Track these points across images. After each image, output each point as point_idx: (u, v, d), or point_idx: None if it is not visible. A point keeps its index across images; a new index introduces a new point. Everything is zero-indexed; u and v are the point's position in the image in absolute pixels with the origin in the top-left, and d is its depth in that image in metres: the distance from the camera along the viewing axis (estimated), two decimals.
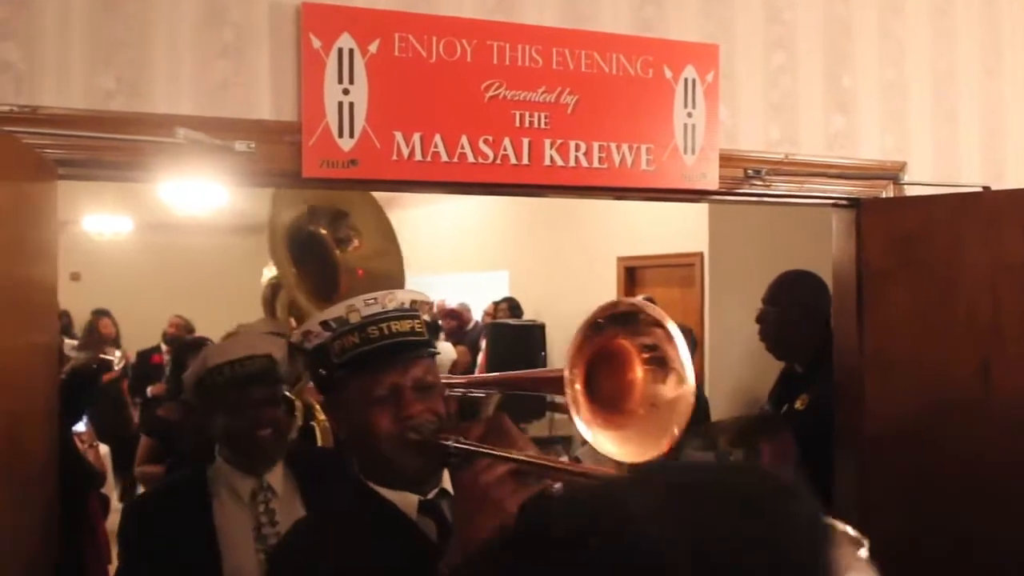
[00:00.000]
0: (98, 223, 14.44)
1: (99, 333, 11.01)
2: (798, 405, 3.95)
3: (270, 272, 4.77)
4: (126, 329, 11.40)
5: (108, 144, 2.66)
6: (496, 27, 3.09)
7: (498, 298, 10.78)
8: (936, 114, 3.92)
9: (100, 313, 11.12)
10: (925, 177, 3.81)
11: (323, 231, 4.57)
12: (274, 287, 4.79)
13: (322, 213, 4.53)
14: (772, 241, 6.80)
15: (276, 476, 2.89)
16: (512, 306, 10.48)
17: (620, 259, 9.37)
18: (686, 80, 3.37)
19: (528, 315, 10.10)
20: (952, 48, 3.95)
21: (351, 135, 2.89)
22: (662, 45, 3.34)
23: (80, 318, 12.24)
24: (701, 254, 7.97)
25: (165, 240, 15.84)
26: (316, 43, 2.86)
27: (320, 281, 4.47)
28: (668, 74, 3.34)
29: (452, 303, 11.53)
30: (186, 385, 3.01)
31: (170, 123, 2.71)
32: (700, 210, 7.70)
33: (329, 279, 4.48)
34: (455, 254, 12.91)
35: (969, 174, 3.91)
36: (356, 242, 4.63)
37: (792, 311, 4.12)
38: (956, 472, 3.43)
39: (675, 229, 8.23)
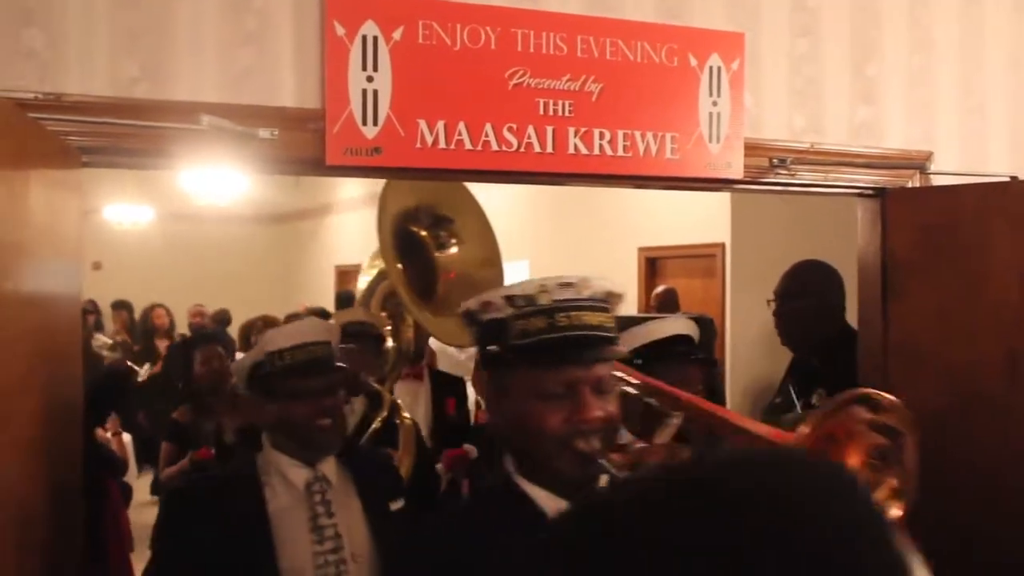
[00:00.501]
0: (119, 212, 14.50)
1: (153, 324, 11.08)
2: (815, 400, 3.92)
3: (371, 264, 4.72)
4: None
5: (132, 131, 2.66)
6: (520, 14, 3.08)
7: None
8: (963, 103, 3.88)
9: (155, 305, 11.28)
10: (952, 167, 3.77)
11: (424, 232, 4.57)
12: (378, 278, 4.74)
13: (425, 213, 4.56)
14: (794, 231, 6.76)
15: (330, 467, 2.80)
16: None
17: (641, 249, 9.33)
18: (711, 68, 3.34)
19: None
20: (980, 37, 3.91)
21: (375, 123, 2.88)
22: (687, 33, 3.32)
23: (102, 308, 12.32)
24: (723, 244, 7.93)
25: (186, 229, 15.91)
26: (340, 30, 2.85)
27: (419, 280, 4.42)
28: (693, 62, 3.31)
29: None
30: (237, 371, 2.90)
31: (194, 110, 2.70)
32: (722, 200, 7.66)
33: (428, 279, 4.45)
34: None
35: (997, 164, 3.87)
36: (455, 249, 4.59)
37: (803, 302, 4.09)
38: (980, 466, 3.40)
39: (696, 219, 8.19)
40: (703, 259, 8.24)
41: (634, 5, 3.28)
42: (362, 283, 5.04)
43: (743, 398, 6.88)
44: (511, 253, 11.98)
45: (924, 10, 3.80)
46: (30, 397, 2.17)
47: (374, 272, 4.88)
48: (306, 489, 2.73)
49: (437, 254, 4.48)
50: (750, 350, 7.35)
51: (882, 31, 3.73)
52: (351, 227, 16.68)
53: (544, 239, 11.34)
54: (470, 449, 4.19)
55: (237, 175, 11.14)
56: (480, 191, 12.48)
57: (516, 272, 11.66)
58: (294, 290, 17.14)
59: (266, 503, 2.69)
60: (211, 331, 8.80)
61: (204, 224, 15.78)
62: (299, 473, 2.75)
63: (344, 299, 12.09)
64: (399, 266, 4.36)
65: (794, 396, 4.13)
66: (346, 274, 16.60)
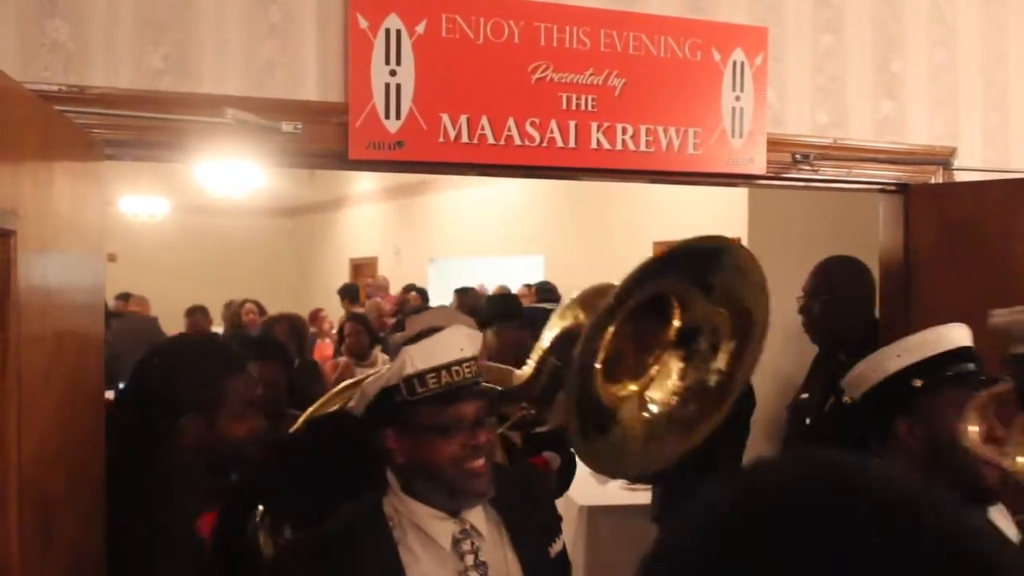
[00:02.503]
0: (135, 205, 14.55)
1: (241, 320, 11.02)
2: (846, 399, 3.87)
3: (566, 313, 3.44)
4: (162, 311, 11.44)
5: (155, 124, 2.66)
6: (544, 8, 3.06)
7: (532, 282, 10.70)
8: (987, 99, 3.85)
9: (240, 301, 11.06)
10: (975, 163, 3.75)
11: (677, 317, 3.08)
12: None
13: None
14: (812, 226, 6.72)
15: (478, 515, 2.26)
16: (542, 289, 10.02)
17: (656, 243, 9.31)
18: (735, 63, 3.33)
19: (565, 299, 10.01)
20: (1003, 32, 3.88)
21: (398, 116, 2.87)
22: (711, 28, 3.30)
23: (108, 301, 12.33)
24: (739, 239, 7.90)
25: (201, 222, 15.98)
26: (363, 23, 2.84)
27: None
28: (716, 57, 3.30)
29: (490, 287, 11.51)
30: (361, 397, 2.33)
31: (217, 103, 2.70)
32: (739, 194, 7.61)
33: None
34: (491, 238, 12.90)
35: (1020, 159, 3.85)
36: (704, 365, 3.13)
37: (833, 298, 4.05)
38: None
39: (712, 213, 8.16)
40: None
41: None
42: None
43: (763, 392, 6.85)
44: (526, 247, 12.04)
45: (947, 5, 3.77)
46: (54, 391, 2.17)
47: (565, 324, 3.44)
48: (453, 548, 2.21)
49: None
50: (768, 345, 7.31)
51: (905, 26, 3.71)
52: (366, 220, 16.72)
53: (559, 233, 11.35)
54: (552, 457, 3.69)
55: (253, 168, 11.16)
56: (495, 185, 12.47)
57: (532, 266, 11.68)
58: (308, 283, 17.20)
59: (403, 567, 2.17)
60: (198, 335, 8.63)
61: (219, 217, 15.85)
62: (442, 526, 2.22)
63: (349, 292, 12.10)
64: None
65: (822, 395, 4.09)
66: (360, 267, 16.65)
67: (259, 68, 2.83)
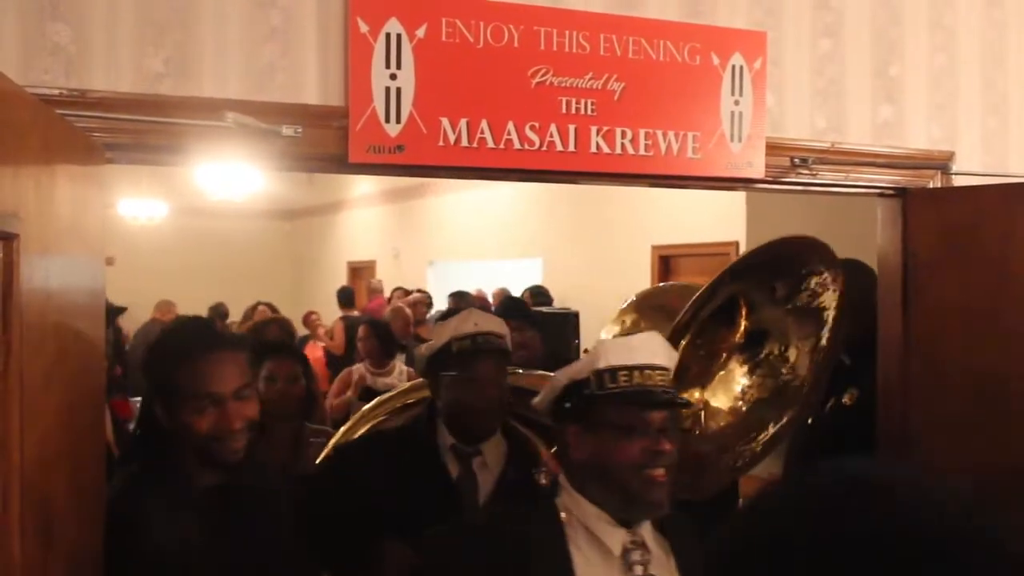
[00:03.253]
0: (133, 208, 14.54)
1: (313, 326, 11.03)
2: (846, 400, 3.88)
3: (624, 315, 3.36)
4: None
5: (156, 127, 2.66)
6: (544, 12, 3.07)
7: (529, 286, 10.67)
8: (985, 103, 3.86)
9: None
10: (974, 167, 3.76)
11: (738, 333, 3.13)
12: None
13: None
14: (810, 230, 6.73)
15: (648, 532, 2.22)
16: (536, 293, 10.01)
17: (654, 247, 9.34)
18: (734, 67, 3.33)
19: (562, 303, 10.02)
20: (1002, 36, 3.89)
21: (398, 120, 2.88)
22: (710, 32, 3.31)
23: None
24: (737, 243, 7.92)
25: (200, 225, 15.98)
26: (364, 27, 2.85)
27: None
28: (716, 61, 3.31)
29: (488, 291, 11.51)
30: (549, 389, 2.30)
31: (217, 107, 2.71)
32: (737, 198, 7.64)
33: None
34: (489, 241, 12.91)
35: (1019, 164, 3.86)
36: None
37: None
38: (1006, 472, 3.37)
39: (711, 217, 8.19)
40: (717, 257, 8.22)
41: (657, 4, 3.27)
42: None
43: None
44: (524, 251, 12.04)
45: (947, 10, 3.78)
46: (55, 393, 2.17)
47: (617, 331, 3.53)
48: (623, 556, 2.15)
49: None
50: None
51: (904, 31, 3.72)
52: (364, 223, 16.72)
53: (558, 237, 11.36)
54: None
55: (251, 171, 11.17)
56: (494, 189, 12.49)
57: (529, 270, 11.68)
58: (307, 286, 17.20)
59: (574, 569, 2.14)
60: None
61: (218, 220, 15.86)
62: (615, 535, 2.17)
63: (344, 296, 12.08)
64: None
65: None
66: (359, 270, 16.65)
67: (259, 71, 2.83)
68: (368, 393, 6.22)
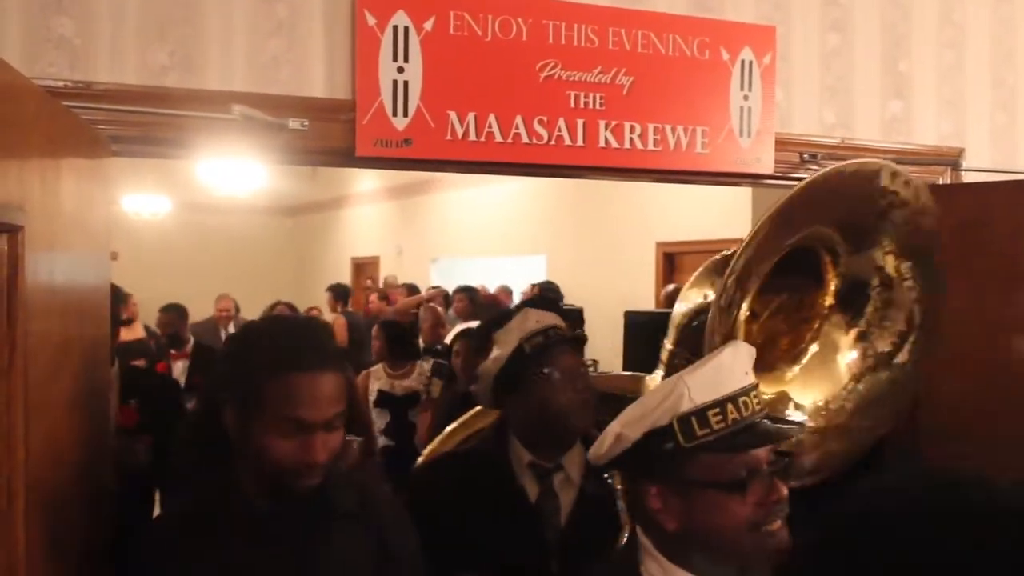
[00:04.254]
0: (137, 203, 14.52)
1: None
2: None
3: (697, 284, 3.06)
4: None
5: (161, 120, 2.65)
6: (552, 6, 3.05)
7: (537, 282, 10.58)
8: (995, 99, 3.84)
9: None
10: (983, 163, 3.74)
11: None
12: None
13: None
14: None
15: None
16: (546, 289, 9.82)
17: (659, 244, 9.31)
18: (743, 62, 3.31)
19: (566, 300, 9.96)
20: (1012, 32, 3.87)
21: (405, 114, 2.86)
22: (719, 26, 3.29)
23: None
24: (742, 240, 7.88)
25: (203, 220, 15.96)
26: (371, 20, 2.83)
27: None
28: (725, 56, 3.28)
29: (492, 287, 11.48)
30: (618, 438, 1.77)
31: (223, 99, 2.69)
32: (742, 195, 7.60)
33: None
34: (493, 238, 12.88)
35: None
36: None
37: None
38: (1016, 469, 3.35)
39: (716, 214, 8.15)
40: None
41: None
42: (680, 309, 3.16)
43: None
44: (528, 248, 12.01)
45: (956, 5, 3.76)
46: (60, 387, 2.16)
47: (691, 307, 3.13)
48: None
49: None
50: None
51: (913, 26, 3.70)
52: (368, 219, 16.69)
53: (562, 233, 11.32)
54: None
55: (254, 166, 11.14)
56: (498, 185, 12.42)
57: (534, 267, 11.65)
58: (310, 281, 17.18)
59: None
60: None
61: (221, 215, 15.84)
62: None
63: (340, 293, 12.02)
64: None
65: None
66: (362, 266, 16.63)
67: (266, 64, 2.81)
68: (386, 398, 6.03)
